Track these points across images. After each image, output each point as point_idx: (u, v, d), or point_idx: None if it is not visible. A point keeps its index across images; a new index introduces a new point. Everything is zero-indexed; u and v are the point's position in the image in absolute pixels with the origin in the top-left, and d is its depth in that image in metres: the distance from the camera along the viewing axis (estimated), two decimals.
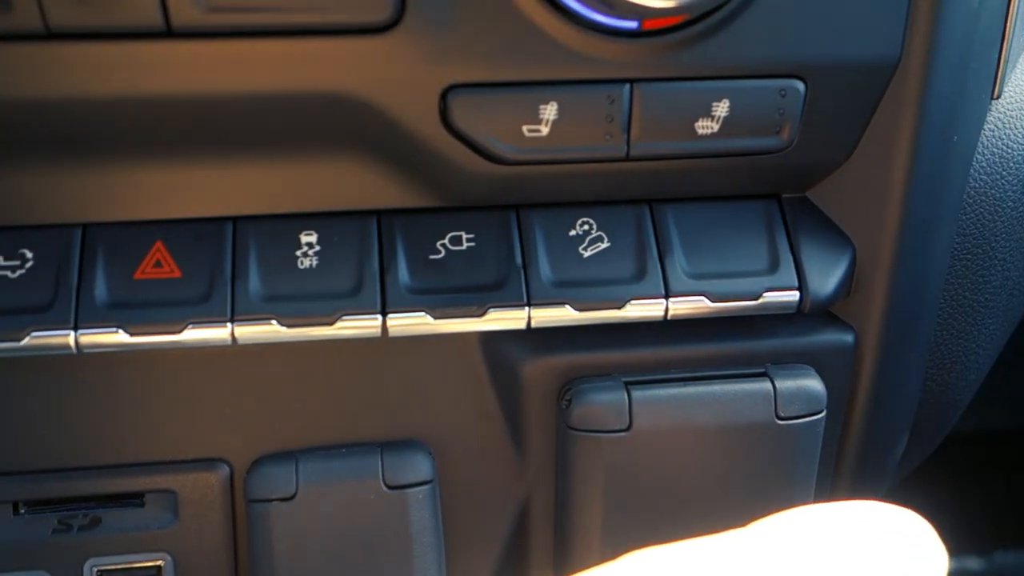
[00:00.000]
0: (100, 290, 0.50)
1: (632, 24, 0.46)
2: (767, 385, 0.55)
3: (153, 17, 0.43)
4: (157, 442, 0.55)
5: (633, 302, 0.53)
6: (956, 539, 1.47)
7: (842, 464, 0.62)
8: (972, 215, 0.60)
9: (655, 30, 0.47)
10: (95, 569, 0.55)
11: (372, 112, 0.47)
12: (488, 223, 0.54)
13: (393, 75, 0.46)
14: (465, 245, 0.53)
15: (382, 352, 0.55)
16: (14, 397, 0.53)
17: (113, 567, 0.55)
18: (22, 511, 0.54)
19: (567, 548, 0.58)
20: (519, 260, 0.53)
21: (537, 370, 0.55)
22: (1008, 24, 0.55)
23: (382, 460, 0.54)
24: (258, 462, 0.55)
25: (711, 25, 0.47)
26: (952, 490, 1.52)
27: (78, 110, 0.45)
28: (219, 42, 0.44)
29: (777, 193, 0.56)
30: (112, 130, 0.47)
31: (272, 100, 0.46)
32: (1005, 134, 0.59)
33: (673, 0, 0.44)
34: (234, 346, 0.51)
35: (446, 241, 0.53)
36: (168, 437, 0.55)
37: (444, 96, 0.47)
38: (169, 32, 0.43)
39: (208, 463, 0.55)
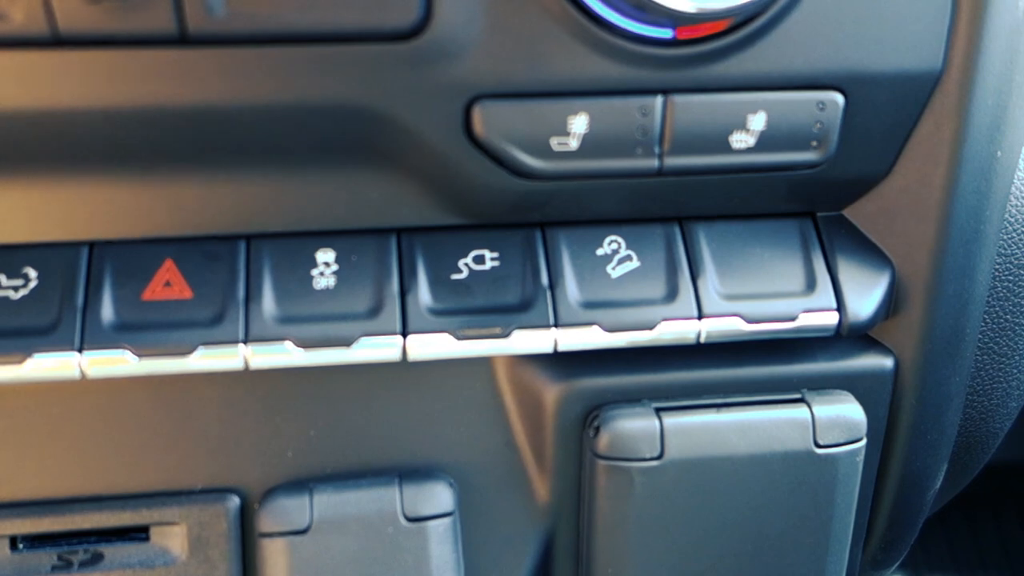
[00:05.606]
0: (107, 311, 0.48)
1: (666, 33, 0.45)
2: (804, 411, 0.53)
3: (167, 22, 0.41)
4: (163, 471, 0.52)
5: (665, 324, 0.51)
6: (971, 570, 1.44)
7: (880, 497, 0.59)
8: (1014, 234, 0.58)
9: (690, 39, 0.45)
10: None
11: (392, 123, 0.45)
12: (513, 241, 0.51)
13: (416, 84, 0.44)
14: (489, 264, 0.51)
15: (401, 376, 0.53)
16: (14, 423, 0.51)
17: None
18: (20, 546, 0.51)
19: None
20: (545, 280, 0.51)
21: (562, 395, 0.53)
22: None
23: (401, 491, 0.52)
24: (270, 493, 0.52)
25: (748, 35, 0.45)
26: (968, 521, 1.49)
27: (85, 121, 0.43)
28: (236, 49, 0.42)
29: (812, 211, 0.54)
30: (121, 142, 0.45)
31: (288, 111, 0.44)
32: None
33: (709, 5, 0.42)
34: (246, 370, 0.49)
35: (469, 260, 0.51)
36: (175, 466, 0.52)
37: (468, 107, 0.45)
38: (183, 38, 0.41)
39: (218, 494, 0.52)
